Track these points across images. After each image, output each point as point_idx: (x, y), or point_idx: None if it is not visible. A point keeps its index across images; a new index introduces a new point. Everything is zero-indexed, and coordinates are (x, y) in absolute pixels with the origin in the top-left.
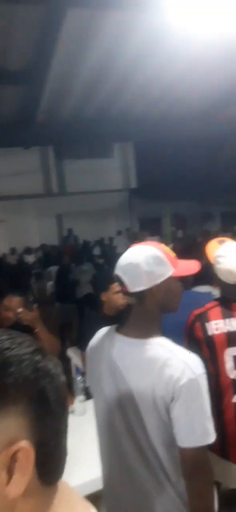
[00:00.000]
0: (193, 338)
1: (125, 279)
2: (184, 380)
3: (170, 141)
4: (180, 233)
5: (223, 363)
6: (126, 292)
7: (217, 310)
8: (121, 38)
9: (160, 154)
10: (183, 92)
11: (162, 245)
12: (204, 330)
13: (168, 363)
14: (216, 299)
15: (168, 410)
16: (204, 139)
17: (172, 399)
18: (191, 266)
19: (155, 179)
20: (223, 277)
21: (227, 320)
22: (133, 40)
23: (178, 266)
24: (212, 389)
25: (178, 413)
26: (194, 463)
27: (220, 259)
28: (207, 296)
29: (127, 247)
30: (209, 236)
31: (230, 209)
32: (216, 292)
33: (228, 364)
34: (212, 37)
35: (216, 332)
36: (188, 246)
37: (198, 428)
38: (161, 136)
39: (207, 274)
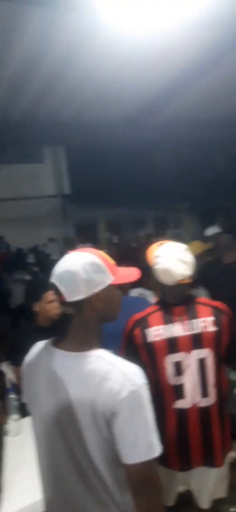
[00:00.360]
0: (132, 344)
1: (61, 287)
2: (124, 393)
3: (103, 145)
4: (115, 239)
5: (163, 369)
6: (63, 302)
7: (158, 315)
8: (49, 37)
9: (93, 159)
10: (114, 95)
11: (101, 252)
12: (144, 336)
13: (108, 377)
14: (157, 303)
15: (109, 426)
16: (136, 144)
17: (113, 414)
18: (131, 273)
19: (88, 184)
20: (161, 278)
21: (167, 326)
22: (62, 39)
23: (118, 274)
24: (152, 396)
25: (120, 428)
26: (141, 479)
27: (157, 260)
28: (143, 302)
29: (61, 254)
30: (142, 240)
31: (162, 214)
32: (148, 294)
33: (169, 370)
34: (143, 38)
35: (157, 339)
36: (124, 251)
37: (142, 442)
38: (93, 140)
39: (141, 277)
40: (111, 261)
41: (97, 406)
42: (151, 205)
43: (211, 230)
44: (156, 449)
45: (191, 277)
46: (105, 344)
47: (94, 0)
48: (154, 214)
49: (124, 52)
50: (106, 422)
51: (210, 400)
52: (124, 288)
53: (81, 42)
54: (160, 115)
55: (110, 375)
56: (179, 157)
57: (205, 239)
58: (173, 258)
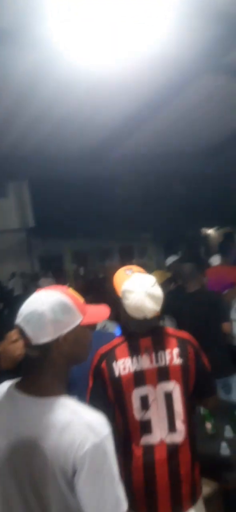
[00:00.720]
0: (99, 379)
1: (27, 329)
2: (87, 446)
3: (66, 178)
4: (81, 270)
5: (130, 404)
6: (28, 345)
7: (124, 347)
8: (8, 72)
9: (57, 191)
10: (75, 129)
11: (70, 290)
12: (111, 370)
13: (69, 428)
14: (123, 334)
15: (70, 483)
16: (99, 176)
17: (75, 471)
18: (100, 312)
19: (53, 216)
20: (130, 313)
21: (134, 358)
22: (20, 74)
23: (87, 313)
24: (119, 434)
25: (83, 486)
26: None
27: (127, 295)
28: (109, 336)
29: (25, 289)
30: (109, 271)
31: (127, 244)
32: (112, 325)
33: (135, 405)
34: (104, 73)
35: (124, 372)
36: (90, 282)
37: (108, 499)
38: (57, 173)
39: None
40: (80, 300)
41: (57, 460)
42: (116, 235)
43: (171, 259)
44: (123, 504)
45: (160, 310)
46: (71, 385)
47: (52, 35)
48: (119, 244)
49: (85, 87)
50: (67, 479)
51: (178, 436)
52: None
53: (41, 76)
54: (122, 147)
55: (72, 426)
56: (142, 188)
57: (166, 268)
58: (142, 294)
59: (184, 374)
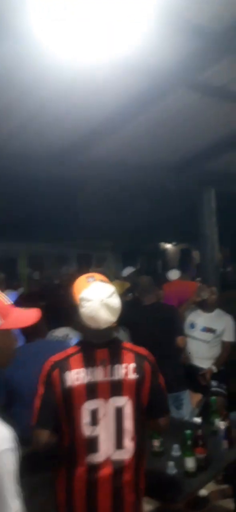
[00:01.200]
0: (50, 388)
1: None
2: None
3: (25, 179)
4: (36, 274)
5: (79, 418)
6: None
7: (80, 357)
8: None
9: (14, 192)
10: (43, 127)
11: None
12: (63, 380)
13: None
14: (79, 343)
15: None
16: (62, 180)
17: None
18: (27, 316)
19: (9, 218)
20: (86, 322)
21: (89, 369)
22: None
23: (10, 317)
24: (65, 449)
25: None
26: None
27: (83, 303)
28: (60, 345)
29: None
30: (65, 277)
31: (85, 251)
32: (74, 333)
33: (85, 419)
34: (77, 74)
35: (76, 383)
36: (45, 288)
37: None
38: (16, 173)
39: (66, 315)
40: (6, 302)
41: None
42: (75, 242)
43: (128, 270)
44: None
45: (116, 321)
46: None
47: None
48: (77, 251)
49: (57, 86)
50: None
51: (125, 453)
52: (29, 331)
53: (7, 72)
54: (89, 153)
55: None
56: (106, 197)
57: (124, 279)
58: (99, 304)
59: (138, 391)
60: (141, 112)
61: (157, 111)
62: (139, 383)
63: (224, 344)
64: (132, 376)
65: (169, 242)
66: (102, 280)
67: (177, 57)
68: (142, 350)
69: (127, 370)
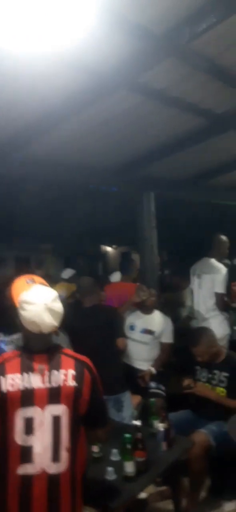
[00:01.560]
0: None
1: None
2: None
3: None
4: None
5: (12, 425)
6: None
7: (17, 361)
8: None
9: None
10: None
11: None
12: None
13: None
14: (18, 348)
15: None
16: None
17: None
18: None
19: None
20: (26, 325)
21: (25, 375)
22: None
23: None
24: None
25: None
26: None
27: (25, 306)
28: None
29: None
30: (2, 280)
31: (23, 253)
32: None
33: (18, 427)
34: (16, 60)
35: (11, 389)
36: None
37: None
38: None
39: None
40: None
41: None
42: (13, 244)
43: (68, 272)
44: None
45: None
46: None
47: None
48: (16, 253)
49: None
50: None
51: (61, 466)
52: None
53: None
54: (28, 150)
55: None
56: (45, 197)
57: (67, 281)
58: (43, 308)
59: (76, 399)
60: (81, 111)
61: (98, 111)
62: (77, 391)
63: (163, 346)
64: (71, 383)
65: (110, 245)
66: (41, 283)
67: (118, 57)
68: (83, 358)
69: (66, 377)
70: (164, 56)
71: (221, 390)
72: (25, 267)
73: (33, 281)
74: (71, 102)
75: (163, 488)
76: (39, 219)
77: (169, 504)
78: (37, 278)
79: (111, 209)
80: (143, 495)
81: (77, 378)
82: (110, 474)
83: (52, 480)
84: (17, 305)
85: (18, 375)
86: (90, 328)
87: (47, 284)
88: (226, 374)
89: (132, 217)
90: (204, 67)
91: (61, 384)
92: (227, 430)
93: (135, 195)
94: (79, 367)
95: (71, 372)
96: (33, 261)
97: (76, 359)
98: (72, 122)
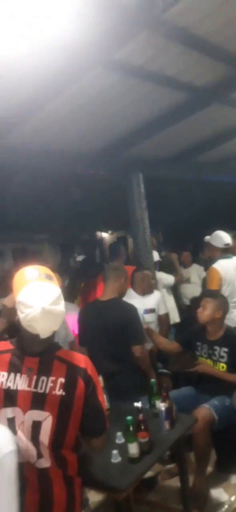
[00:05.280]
0: None
1: None
2: None
3: None
4: None
5: None
6: None
7: (6, 358)
8: None
9: None
10: None
11: None
12: None
13: None
14: (11, 343)
15: None
16: None
17: None
18: None
19: None
20: (24, 326)
21: (12, 375)
22: None
23: None
24: None
25: None
26: None
27: (22, 308)
28: None
29: None
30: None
31: (20, 245)
32: None
33: (1, 423)
34: None
35: None
36: None
37: None
38: None
39: None
40: None
41: None
42: (8, 236)
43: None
44: None
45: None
46: None
47: None
48: (13, 245)
49: None
50: None
51: (46, 462)
52: None
53: None
54: (6, 140)
55: None
56: (33, 186)
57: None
58: (40, 312)
59: (64, 408)
60: (59, 93)
61: (76, 93)
62: (65, 400)
63: (160, 318)
64: (58, 392)
65: (105, 230)
66: (47, 274)
67: (92, 34)
68: (81, 362)
69: (54, 384)
70: (138, 29)
71: (221, 365)
72: (22, 259)
73: (38, 273)
74: (49, 85)
75: (171, 465)
76: (30, 210)
77: (177, 481)
78: (42, 269)
79: (103, 193)
80: (151, 474)
81: (67, 387)
82: (115, 456)
83: (42, 473)
84: (16, 302)
85: (5, 374)
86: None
87: (53, 276)
88: (225, 349)
89: (124, 200)
90: (179, 38)
91: (47, 391)
92: (233, 403)
93: (123, 177)
94: (71, 374)
95: (60, 380)
96: (30, 253)
97: (70, 364)
98: (51, 106)
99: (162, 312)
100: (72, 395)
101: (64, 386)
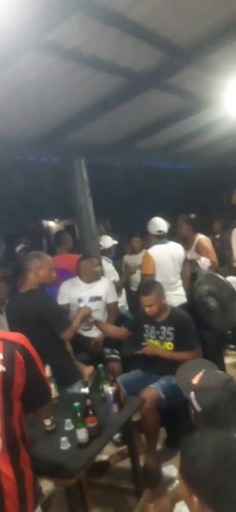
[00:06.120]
0: None
1: None
2: None
3: None
4: None
5: None
6: None
7: None
8: None
9: None
10: None
11: None
12: None
13: None
14: None
15: None
16: None
17: None
18: None
19: None
20: None
21: None
22: None
23: None
24: None
25: None
26: None
27: None
28: None
29: None
30: None
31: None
32: None
33: None
34: None
35: None
36: None
37: None
38: None
39: None
40: None
41: None
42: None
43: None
44: None
45: None
46: None
47: None
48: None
49: None
50: None
51: None
52: None
53: None
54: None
55: None
56: None
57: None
58: None
59: (6, 384)
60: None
61: (10, 77)
62: (6, 375)
63: (109, 306)
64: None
65: (52, 219)
66: None
67: (25, 14)
68: (15, 337)
69: None
70: (69, 11)
71: (168, 345)
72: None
73: None
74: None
75: (123, 447)
76: None
77: (129, 463)
78: None
79: (49, 181)
80: (104, 457)
81: (6, 362)
82: (64, 443)
83: None
84: None
85: None
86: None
87: None
88: (172, 328)
89: (66, 187)
90: (115, 22)
91: None
92: (175, 381)
93: (65, 163)
94: (8, 349)
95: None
96: None
97: (5, 341)
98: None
99: (110, 300)
100: (12, 369)
101: (4, 362)
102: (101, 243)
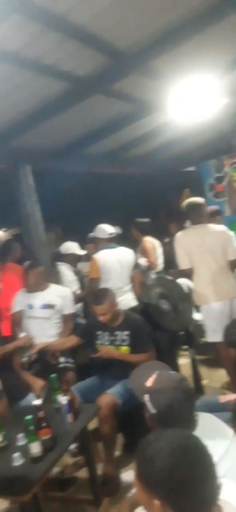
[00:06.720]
0: None
1: None
2: None
3: None
4: None
5: None
6: None
7: None
8: None
9: None
10: None
11: None
12: None
13: None
14: None
15: None
16: None
17: None
18: None
19: None
20: None
21: None
22: None
23: None
24: None
25: None
26: None
27: None
28: None
29: None
30: None
31: None
32: None
33: None
34: None
35: None
36: None
37: None
38: None
39: None
40: None
41: None
42: None
43: None
44: None
45: None
46: None
47: None
48: None
49: None
50: None
51: None
52: None
53: None
54: None
55: None
56: None
57: None
58: None
59: None
60: None
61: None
62: None
63: (65, 318)
64: None
65: None
66: None
67: None
68: None
69: None
70: (6, 13)
71: (124, 349)
72: None
73: None
74: None
75: (78, 458)
76: None
77: (84, 472)
78: None
79: None
80: (60, 469)
81: None
82: (16, 460)
83: None
84: None
85: None
86: None
87: None
88: (127, 332)
89: (12, 194)
90: (56, 25)
91: None
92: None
93: (9, 169)
94: None
95: None
96: None
97: None
98: None
99: (67, 311)
100: None
101: None
102: (62, 249)
